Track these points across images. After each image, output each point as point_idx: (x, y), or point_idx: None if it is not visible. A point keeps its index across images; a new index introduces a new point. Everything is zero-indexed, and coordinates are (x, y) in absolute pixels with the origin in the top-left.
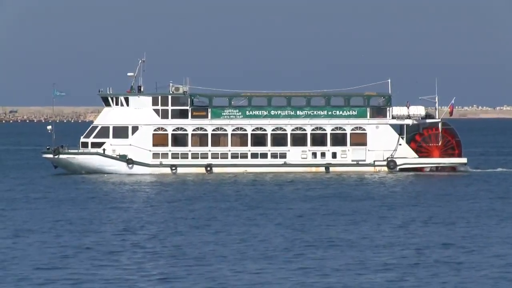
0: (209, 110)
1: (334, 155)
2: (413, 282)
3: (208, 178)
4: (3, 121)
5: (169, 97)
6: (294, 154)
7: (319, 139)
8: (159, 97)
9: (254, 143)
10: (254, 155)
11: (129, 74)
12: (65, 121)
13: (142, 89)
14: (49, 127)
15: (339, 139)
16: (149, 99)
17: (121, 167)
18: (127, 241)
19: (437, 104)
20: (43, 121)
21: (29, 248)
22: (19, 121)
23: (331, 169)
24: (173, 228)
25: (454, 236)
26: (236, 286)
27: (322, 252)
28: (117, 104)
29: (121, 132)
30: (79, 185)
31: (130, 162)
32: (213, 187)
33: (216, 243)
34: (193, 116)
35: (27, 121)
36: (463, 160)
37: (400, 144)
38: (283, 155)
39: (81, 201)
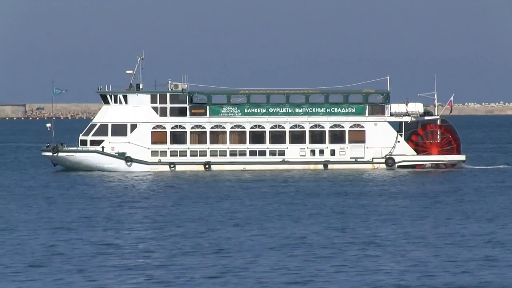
0: (208, 107)
1: (332, 152)
2: None
3: (246, 175)
4: (30, 118)
5: (168, 94)
6: (293, 151)
7: (317, 137)
8: (158, 95)
9: (253, 141)
10: (253, 153)
11: (128, 71)
12: (92, 118)
13: (140, 87)
14: (48, 124)
15: (337, 137)
16: (148, 96)
17: (120, 165)
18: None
19: (435, 101)
20: (69, 118)
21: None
22: (45, 118)
23: (330, 166)
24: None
25: None
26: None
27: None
28: (115, 102)
29: (119, 130)
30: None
31: (128, 160)
32: (250, 183)
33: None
34: (191, 114)
35: (54, 118)
36: (462, 157)
37: (398, 141)
38: (281, 153)
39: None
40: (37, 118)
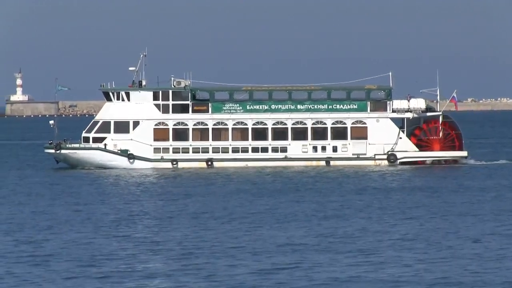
0: (210, 104)
1: (334, 149)
2: None
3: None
4: (63, 115)
5: (170, 91)
6: (295, 148)
7: (319, 133)
8: (160, 92)
9: (255, 137)
10: (255, 149)
11: (130, 68)
12: None
13: (143, 84)
14: (51, 121)
15: (339, 133)
16: (150, 93)
17: (122, 162)
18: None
19: (438, 97)
20: None
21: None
22: (78, 115)
23: (332, 163)
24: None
25: None
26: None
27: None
28: (118, 99)
29: (122, 127)
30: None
31: (131, 157)
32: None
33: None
34: (194, 111)
35: (87, 115)
36: (464, 153)
37: (400, 138)
38: (283, 149)
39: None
40: (70, 115)
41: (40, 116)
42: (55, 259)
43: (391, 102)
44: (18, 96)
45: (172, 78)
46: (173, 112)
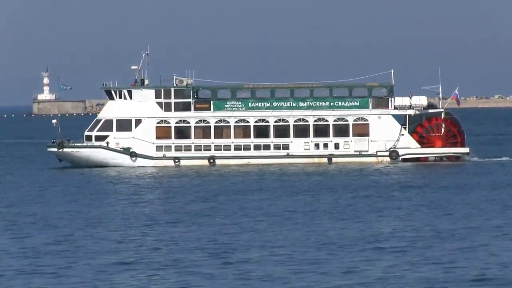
0: (212, 102)
1: (336, 146)
2: None
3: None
4: (90, 114)
5: (172, 90)
6: (297, 145)
7: (321, 130)
8: (162, 90)
9: (257, 135)
10: (257, 147)
11: (133, 67)
12: None
13: (146, 82)
14: (54, 120)
15: (341, 130)
16: (152, 92)
17: (125, 160)
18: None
19: (440, 94)
20: None
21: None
22: None
23: (334, 160)
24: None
25: None
26: None
27: None
28: (120, 97)
29: (124, 125)
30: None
31: (133, 155)
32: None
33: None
34: (196, 109)
35: None
36: (466, 149)
37: (402, 135)
38: (285, 147)
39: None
40: (97, 114)
41: (67, 115)
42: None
43: (393, 99)
44: (45, 95)
45: (174, 77)
46: (175, 110)
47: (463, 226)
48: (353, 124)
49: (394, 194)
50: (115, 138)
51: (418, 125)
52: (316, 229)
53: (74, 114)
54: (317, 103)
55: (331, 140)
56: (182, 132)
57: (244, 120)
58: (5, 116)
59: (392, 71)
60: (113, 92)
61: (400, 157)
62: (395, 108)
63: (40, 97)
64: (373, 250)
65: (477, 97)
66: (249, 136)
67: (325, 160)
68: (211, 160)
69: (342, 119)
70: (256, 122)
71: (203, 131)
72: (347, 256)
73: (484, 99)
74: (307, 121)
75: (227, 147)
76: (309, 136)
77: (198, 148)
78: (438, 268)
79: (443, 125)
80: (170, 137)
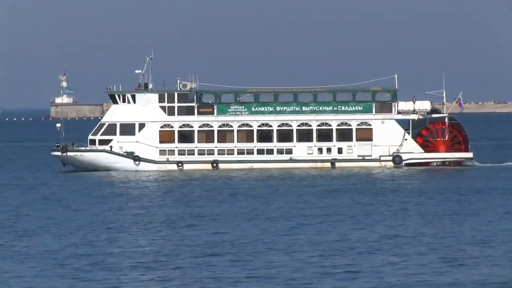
0: (215, 106)
1: (340, 150)
2: None
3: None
4: None
5: (175, 94)
6: (300, 149)
7: (325, 135)
8: (166, 94)
9: (260, 139)
10: (260, 151)
11: (137, 71)
12: None
13: (150, 86)
14: (58, 124)
15: (345, 135)
16: (156, 96)
17: (128, 164)
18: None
19: (444, 99)
20: None
21: None
22: None
23: (337, 164)
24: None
25: None
26: None
27: None
28: (124, 101)
29: (128, 129)
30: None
31: (137, 159)
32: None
33: None
34: (199, 113)
35: None
36: (469, 154)
37: (405, 139)
38: (289, 151)
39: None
40: None
41: (85, 118)
42: None
43: (396, 103)
44: (63, 98)
45: (178, 81)
46: (178, 114)
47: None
48: (356, 129)
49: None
50: (119, 142)
51: (422, 130)
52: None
53: (92, 118)
54: (321, 108)
55: (334, 144)
56: (186, 136)
57: (247, 125)
58: (22, 119)
59: (396, 75)
60: (116, 96)
61: (403, 162)
62: (399, 112)
63: (58, 100)
64: None
65: (495, 101)
66: (252, 141)
67: (328, 164)
68: (214, 164)
69: (346, 123)
70: (259, 126)
71: (207, 135)
72: None
73: (502, 103)
74: (310, 125)
75: (230, 151)
76: (313, 141)
77: (201, 152)
78: None
79: (446, 130)
80: (173, 141)
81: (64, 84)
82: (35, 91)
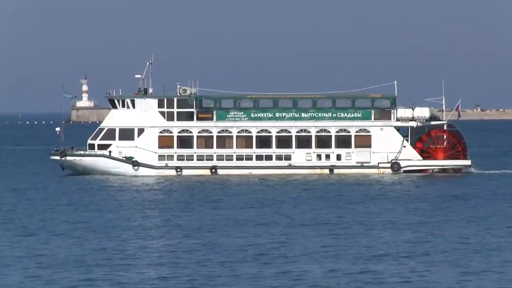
0: (215, 112)
1: (338, 157)
2: None
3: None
4: None
5: (175, 99)
6: (299, 156)
7: (323, 141)
8: (165, 100)
9: (259, 145)
10: (259, 157)
11: (136, 76)
12: None
13: (150, 91)
14: (57, 128)
15: (343, 141)
16: (155, 101)
17: (127, 169)
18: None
19: (443, 106)
20: None
21: None
22: None
23: (336, 171)
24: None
25: None
26: None
27: None
28: (123, 106)
29: (127, 134)
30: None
31: (135, 164)
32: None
33: None
34: (198, 118)
35: None
36: (467, 162)
37: (404, 146)
38: (288, 157)
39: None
40: None
41: None
42: None
43: (395, 110)
44: (84, 102)
45: (178, 86)
46: (178, 119)
47: None
48: (355, 136)
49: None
50: (118, 147)
51: (421, 137)
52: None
53: None
54: (320, 114)
55: (333, 151)
56: (185, 141)
57: (246, 130)
58: (43, 122)
59: (396, 82)
60: (116, 101)
61: (402, 169)
62: (398, 119)
63: (79, 104)
64: None
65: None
66: (251, 146)
67: (326, 171)
68: (213, 170)
69: (344, 130)
70: (258, 132)
71: (206, 141)
72: None
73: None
74: (309, 132)
75: (229, 157)
76: (311, 147)
77: (200, 157)
78: None
79: (445, 137)
80: (172, 147)
81: (85, 87)
82: (56, 95)
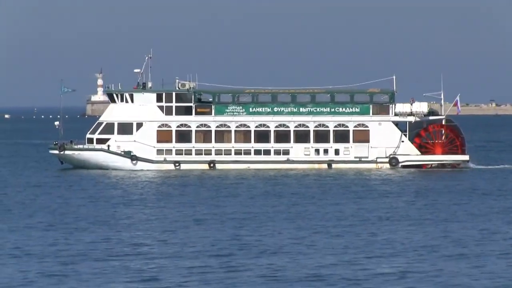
0: (213, 106)
1: (336, 151)
2: None
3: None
4: None
5: (173, 93)
6: (297, 150)
7: (322, 136)
8: (164, 94)
9: (258, 140)
10: (257, 152)
11: (135, 70)
12: None
13: (149, 86)
14: (56, 123)
15: (342, 136)
16: (154, 95)
17: (125, 163)
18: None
19: (442, 101)
20: None
21: None
22: None
23: (334, 165)
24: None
25: None
26: None
27: None
28: (122, 100)
29: (125, 128)
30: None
31: (134, 158)
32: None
33: None
34: (197, 113)
35: None
36: (465, 157)
37: (402, 141)
38: (286, 152)
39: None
40: None
41: None
42: None
43: (393, 105)
44: (99, 96)
45: (177, 80)
46: (176, 114)
47: None
48: (353, 130)
49: None
50: (116, 141)
51: (419, 132)
52: None
53: None
54: (318, 109)
55: (331, 146)
56: (183, 136)
57: (245, 125)
58: (58, 116)
59: (394, 77)
60: (114, 95)
61: (400, 164)
62: (396, 114)
63: (94, 98)
64: None
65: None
66: (249, 141)
67: (325, 166)
68: (212, 165)
69: (343, 125)
70: (256, 127)
71: (204, 135)
72: None
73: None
74: (307, 126)
75: (228, 152)
76: (310, 142)
77: (198, 152)
78: None
79: (443, 132)
80: (171, 141)
81: (100, 81)
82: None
